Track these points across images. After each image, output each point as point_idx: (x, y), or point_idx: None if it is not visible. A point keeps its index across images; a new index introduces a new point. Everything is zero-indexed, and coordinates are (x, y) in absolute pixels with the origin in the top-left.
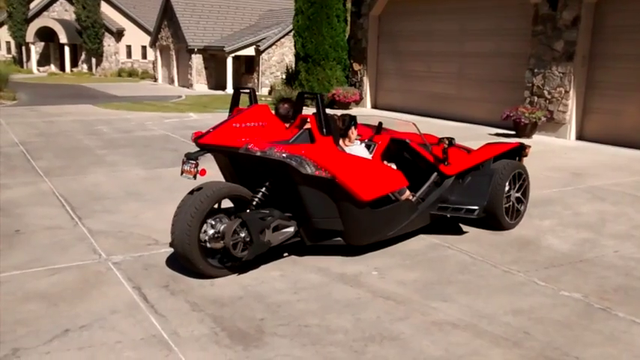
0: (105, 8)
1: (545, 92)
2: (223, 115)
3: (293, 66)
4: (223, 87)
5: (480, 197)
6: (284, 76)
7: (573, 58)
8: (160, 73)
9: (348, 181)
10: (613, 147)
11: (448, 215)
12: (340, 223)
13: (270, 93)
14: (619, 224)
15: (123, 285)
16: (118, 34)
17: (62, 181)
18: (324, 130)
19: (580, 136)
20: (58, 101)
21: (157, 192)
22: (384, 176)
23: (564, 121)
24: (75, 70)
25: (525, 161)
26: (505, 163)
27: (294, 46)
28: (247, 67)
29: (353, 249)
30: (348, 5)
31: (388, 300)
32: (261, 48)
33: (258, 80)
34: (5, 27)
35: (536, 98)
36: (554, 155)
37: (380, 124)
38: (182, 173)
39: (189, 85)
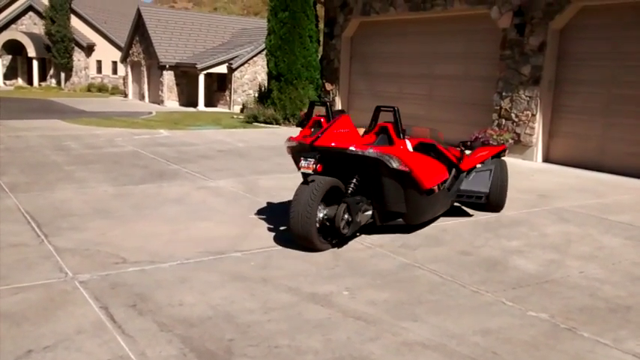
0: (75, 23)
1: (513, 115)
2: (196, 132)
3: (266, 84)
4: (195, 104)
5: (484, 186)
6: (256, 94)
7: (540, 83)
8: (131, 88)
9: (419, 174)
10: (578, 169)
11: (464, 200)
12: (405, 206)
13: (242, 111)
14: (583, 245)
15: (89, 304)
16: (89, 49)
17: (28, 198)
18: (400, 135)
19: (546, 159)
20: (25, 115)
21: (125, 209)
22: (438, 170)
23: (531, 143)
24: (43, 84)
25: None
26: (496, 160)
27: (267, 65)
28: (219, 84)
29: (409, 228)
30: (321, 26)
31: (359, 320)
32: (234, 66)
33: (230, 98)
34: None
35: (504, 121)
36: (522, 177)
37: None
38: (300, 169)
39: (160, 102)
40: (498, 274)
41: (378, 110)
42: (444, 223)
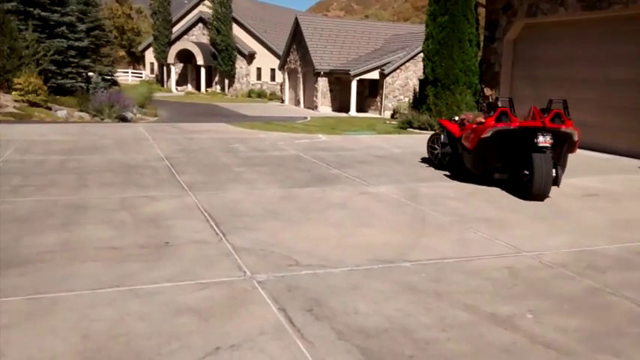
0: (238, 32)
1: None
2: (352, 137)
3: (418, 89)
4: (346, 109)
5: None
6: (410, 100)
7: None
8: (287, 94)
9: (578, 141)
10: None
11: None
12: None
13: (392, 116)
14: None
15: (268, 305)
16: (250, 57)
17: (205, 196)
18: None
19: None
20: (195, 119)
21: (293, 212)
22: None
23: None
24: (209, 90)
25: None
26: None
27: (423, 70)
28: (371, 90)
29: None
30: (481, 29)
31: (549, 349)
32: (386, 72)
33: (381, 103)
34: (151, 49)
35: None
36: None
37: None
38: (538, 144)
39: (314, 107)
40: None
41: (550, 101)
42: (636, 244)
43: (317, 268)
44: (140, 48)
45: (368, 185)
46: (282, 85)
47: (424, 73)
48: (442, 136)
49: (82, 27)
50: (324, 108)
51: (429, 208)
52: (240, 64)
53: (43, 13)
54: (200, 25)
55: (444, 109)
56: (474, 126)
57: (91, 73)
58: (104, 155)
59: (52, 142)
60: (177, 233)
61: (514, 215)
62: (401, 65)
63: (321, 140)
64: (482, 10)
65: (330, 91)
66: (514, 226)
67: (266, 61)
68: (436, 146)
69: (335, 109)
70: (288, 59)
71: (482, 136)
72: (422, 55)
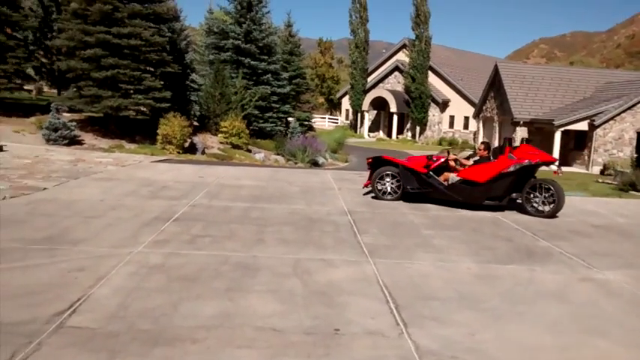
0: (433, 80)
1: None
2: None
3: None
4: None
5: None
6: (632, 156)
7: None
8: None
9: None
10: None
11: None
12: None
13: (602, 172)
14: None
15: None
16: (443, 105)
17: (386, 266)
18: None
19: None
20: None
21: (494, 299)
22: None
23: None
24: (400, 136)
25: None
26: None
27: None
28: (577, 142)
29: None
30: None
31: None
32: (596, 123)
33: (589, 158)
34: (347, 96)
35: None
36: None
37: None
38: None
39: None
40: None
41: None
42: None
43: None
44: (338, 95)
45: (590, 268)
46: (475, 133)
47: None
48: None
49: (285, 75)
50: None
51: None
52: (433, 111)
53: (252, 62)
54: (395, 73)
55: None
56: None
57: (290, 118)
58: (288, 205)
59: (242, 187)
60: (349, 316)
61: None
62: (615, 116)
63: None
64: None
65: (529, 141)
66: None
67: (459, 108)
68: None
69: None
70: (484, 107)
71: None
72: None
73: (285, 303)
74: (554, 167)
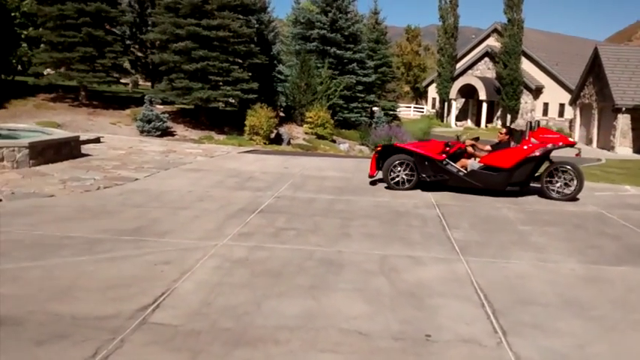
0: (526, 65)
1: None
2: None
3: None
4: None
5: None
6: None
7: None
8: (577, 132)
9: None
10: None
11: None
12: None
13: None
14: None
15: None
16: (537, 92)
17: (480, 265)
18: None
19: None
20: None
21: (604, 306)
22: None
23: None
24: (489, 125)
25: None
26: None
27: None
28: None
29: None
30: None
31: None
32: None
33: None
34: (433, 85)
35: None
36: None
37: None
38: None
39: (610, 148)
40: None
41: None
42: None
43: None
44: (424, 84)
45: None
46: (571, 121)
47: None
48: None
49: (371, 64)
50: (623, 149)
51: None
52: (526, 98)
53: (338, 51)
54: (486, 59)
55: None
56: None
57: (375, 108)
58: (373, 198)
59: (326, 178)
60: (441, 321)
61: None
62: None
63: (629, 194)
64: None
65: (633, 129)
66: None
67: (554, 95)
68: None
69: (636, 151)
70: (581, 93)
71: None
72: None
73: (372, 304)
74: (575, 150)
